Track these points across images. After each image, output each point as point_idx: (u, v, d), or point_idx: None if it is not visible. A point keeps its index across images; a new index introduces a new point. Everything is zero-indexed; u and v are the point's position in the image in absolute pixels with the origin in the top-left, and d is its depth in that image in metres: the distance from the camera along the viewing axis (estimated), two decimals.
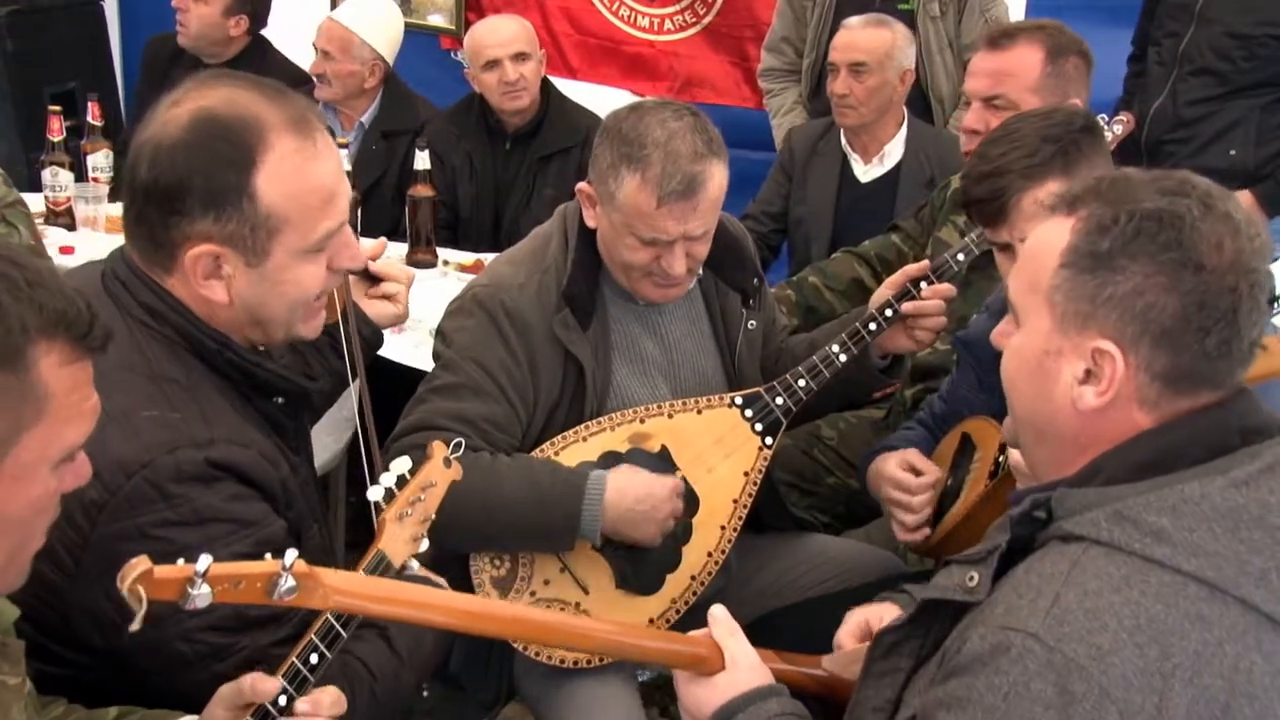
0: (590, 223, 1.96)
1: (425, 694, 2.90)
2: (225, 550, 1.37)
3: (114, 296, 1.46)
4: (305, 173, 1.44)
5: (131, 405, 1.37)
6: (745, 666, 1.42)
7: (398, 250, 3.49)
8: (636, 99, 2.60)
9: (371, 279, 1.89)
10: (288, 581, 1.18)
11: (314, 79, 3.71)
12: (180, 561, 1.14)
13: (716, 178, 1.86)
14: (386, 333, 2.87)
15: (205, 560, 1.13)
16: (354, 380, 1.72)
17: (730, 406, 2.01)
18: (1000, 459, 1.83)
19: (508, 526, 1.87)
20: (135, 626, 1.10)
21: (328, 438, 2.67)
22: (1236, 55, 3.32)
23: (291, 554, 1.19)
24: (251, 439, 1.47)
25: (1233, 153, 3.34)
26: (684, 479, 1.97)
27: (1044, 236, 1.20)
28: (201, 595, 1.13)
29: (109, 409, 1.29)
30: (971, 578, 1.17)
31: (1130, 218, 1.13)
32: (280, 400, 1.56)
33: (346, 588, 1.25)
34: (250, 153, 1.40)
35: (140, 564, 1.11)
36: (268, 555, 1.19)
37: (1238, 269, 1.12)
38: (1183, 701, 1.02)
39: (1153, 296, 1.11)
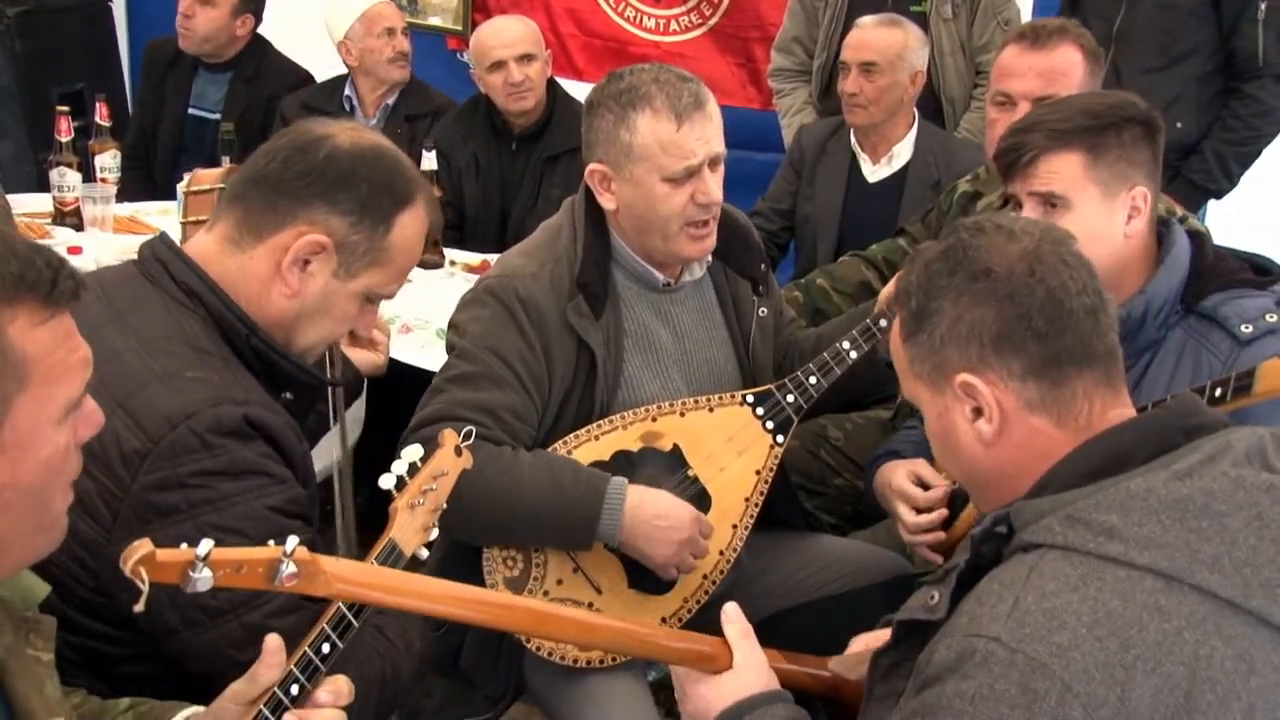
0: (609, 205, 1.96)
1: (429, 696, 2.90)
2: (259, 502, 1.43)
3: (152, 277, 1.54)
4: (417, 240, 1.64)
5: (176, 367, 1.44)
6: (753, 669, 1.43)
7: None
8: None
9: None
10: (289, 567, 1.20)
11: (391, 64, 3.84)
12: (189, 548, 1.14)
13: (711, 96, 1.94)
14: (393, 333, 2.92)
15: (206, 545, 1.14)
16: (335, 418, 1.77)
17: (741, 405, 2.01)
18: None
19: (528, 523, 1.86)
20: (140, 607, 1.11)
21: (336, 437, 2.68)
22: (1167, 27, 3.39)
23: (293, 540, 1.20)
24: (280, 410, 1.54)
25: (1179, 125, 3.40)
26: (696, 478, 1.97)
27: (892, 338, 1.35)
28: (203, 579, 1.15)
29: (155, 371, 1.38)
30: (932, 597, 1.21)
31: (919, 272, 1.28)
32: (289, 396, 1.60)
33: (347, 575, 1.26)
34: (407, 197, 1.60)
35: (142, 546, 1.12)
36: (270, 541, 1.21)
37: (1027, 259, 1.23)
38: (1146, 692, 1.04)
39: (969, 315, 1.23)
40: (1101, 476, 1.16)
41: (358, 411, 2.80)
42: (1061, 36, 2.37)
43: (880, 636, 1.57)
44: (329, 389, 1.84)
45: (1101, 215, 1.78)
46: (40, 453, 1.11)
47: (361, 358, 1.96)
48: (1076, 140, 1.77)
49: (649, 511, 1.87)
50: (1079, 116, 1.79)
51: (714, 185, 1.91)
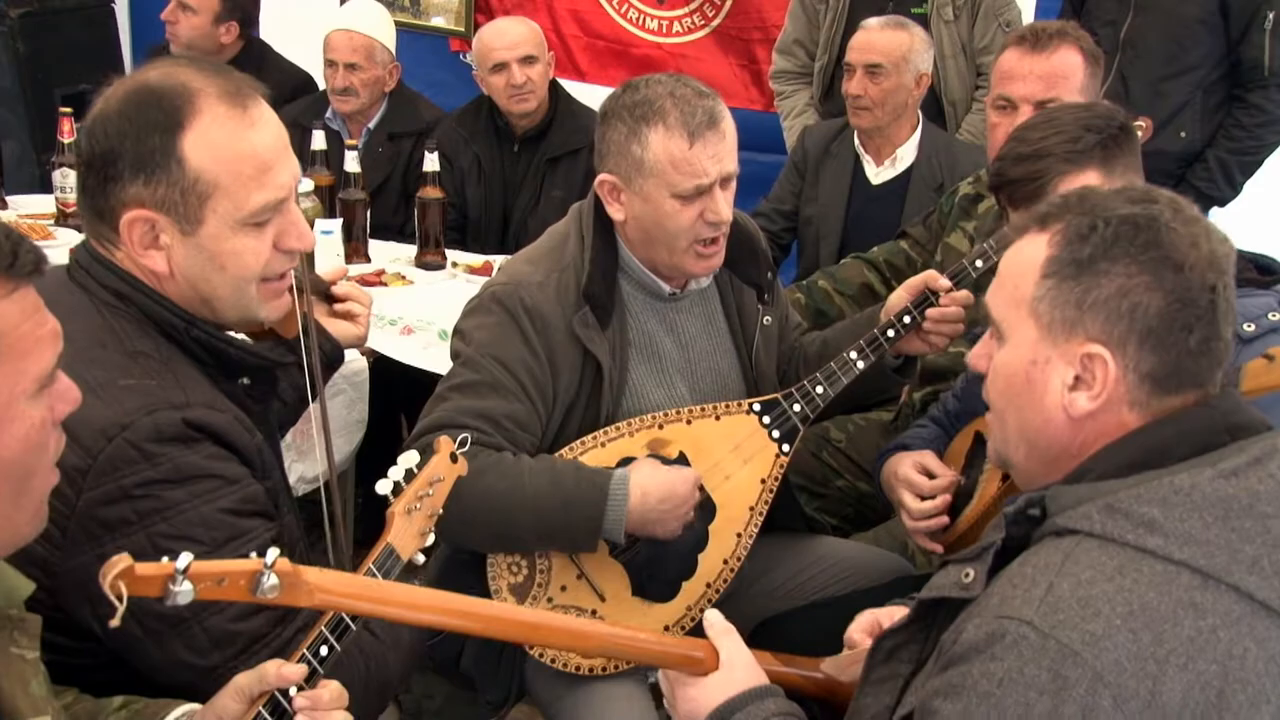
0: (617, 216, 1.95)
1: (431, 698, 2.90)
2: (210, 506, 1.39)
3: (80, 284, 1.49)
4: (236, 139, 1.46)
5: (109, 377, 1.39)
6: (741, 666, 1.42)
7: (406, 251, 3.51)
8: None
9: (332, 300, 1.92)
10: (270, 579, 1.18)
11: (333, 93, 3.70)
12: (169, 561, 1.13)
13: (727, 114, 1.91)
14: (395, 334, 2.92)
15: (186, 558, 1.13)
16: (314, 399, 1.73)
17: (748, 413, 2.00)
18: None
19: (530, 527, 1.86)
20: (116, 622, 1.09)
21: (338, 439, 2.68)
22: (1177, 36, 3.40)
23: (273, 552, 1.19)
24: (226, 406, 1.49)
25: (1184, 134, 3.42)
26: (702, 486, 1.96)
27: (1021, 252, 1.23)
28: (183, 592, 1.13)
29: (87, 382, 1.29)
30: (968, 574, 1.19)
31: (1108, 223, 1.17)
32: (246, 382, 1.57)
33: (331, 586, 1.25)
34: (178, 116, 1.44)
35: (121, 561, 1.11)
36: (253, 554, 1.19)
37: (1214, 267, 1.16)
38: (1177, 687, 1.03)
39: (1137, 296, 1.15)
40: (1143, 469, 1.15)
41: (361, 413, 2.80)
42: (1061, 39, 2.36)
43: (889, 613, 1.57)
44: (304, 366, 1.75)
45: None
46: (16, 428, 1.11)
47: (340, 329, 1.91)
48: (1092, 158, 1.76)
49: (653, 499, 1.87)
50: (1086, 134, 1.77)
51: (724, 205, 1.90)
